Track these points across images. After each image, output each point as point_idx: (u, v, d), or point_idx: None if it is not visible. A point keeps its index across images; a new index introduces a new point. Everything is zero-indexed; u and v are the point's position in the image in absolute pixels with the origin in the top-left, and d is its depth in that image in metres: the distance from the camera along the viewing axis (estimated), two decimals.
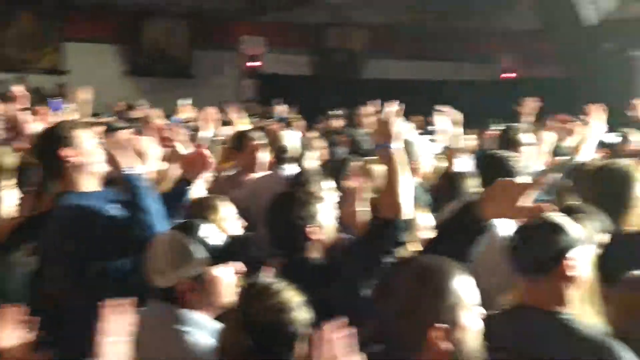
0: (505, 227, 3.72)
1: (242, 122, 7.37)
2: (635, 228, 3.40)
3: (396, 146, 2.85)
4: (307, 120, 9.11)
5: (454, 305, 1.81)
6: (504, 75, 17.10)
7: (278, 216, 2.99)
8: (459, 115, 5.52)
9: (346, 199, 3.56)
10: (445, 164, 5.24)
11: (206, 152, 3.56)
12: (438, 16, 16.44)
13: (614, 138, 6.88)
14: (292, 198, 3.02)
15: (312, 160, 5.51)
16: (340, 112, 9.42)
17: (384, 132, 2.87)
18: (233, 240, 2.63)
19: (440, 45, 16.90)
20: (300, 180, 4.16)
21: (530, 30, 15.04)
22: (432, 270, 1.87)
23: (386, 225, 2.76)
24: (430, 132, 6.60)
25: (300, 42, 16.43)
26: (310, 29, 16.54)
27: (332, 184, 4.20)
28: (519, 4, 14.80)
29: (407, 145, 4.99)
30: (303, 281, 2.21)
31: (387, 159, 2.83)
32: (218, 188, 4.71)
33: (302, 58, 16.56)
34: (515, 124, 5.72)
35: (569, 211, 2.65)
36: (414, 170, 4.84)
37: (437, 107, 5.81)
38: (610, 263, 2.60)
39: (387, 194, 2.81)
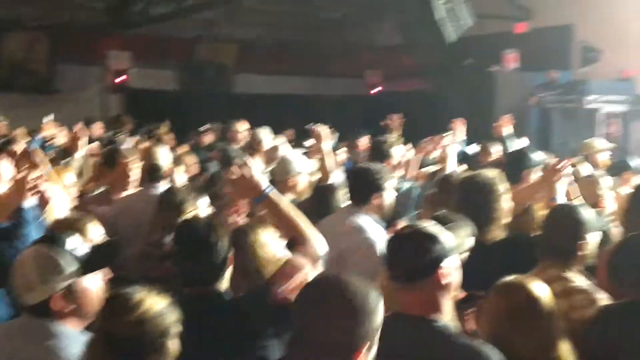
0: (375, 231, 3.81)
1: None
2: (499, 237, 3.56)
3: (269, 190, 2.82)
4: (176, 136, 8.97)
5: None
6: (370, 90, 17.47)
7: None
8: (327, 130, 5.60)
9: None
10: (319, 178, 5.30)
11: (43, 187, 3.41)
12: (307, 32, 16.65)
13: (474, 149, 7.19)
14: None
15: (182, 176, 5.43)
16: (210, 126, 9.34)
17: (249, 187, 2.84)
18: (99, 248, 2.58)
19: (308, 61, 17.11)
20: (174, 200, 4.08)
21: (395, 46, 15.49)
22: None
23: None
24: (304, 147, 6.66)
25: (168, 56, 16.14)
26: (178, 44, 16.31)
27: (205, 200, 4.15)
28: (384, 21, 15.23)
29: (283, 162, 5.02)
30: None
31: (270, 206, 2.82)
32: (85, 206, 4.56)
33: (170, 73, 16.28)
34: (384, 137, 5.86)
35: (439, 221, 2.73)
36: (291, 187, 4.87)
37: (308, 124, 5.86)
38: (473, 271, 2.69)
39: (288, 231, 2.82)
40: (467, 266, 2.94)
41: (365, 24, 16.43)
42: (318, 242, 2.82)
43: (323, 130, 5.32)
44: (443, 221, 2.81)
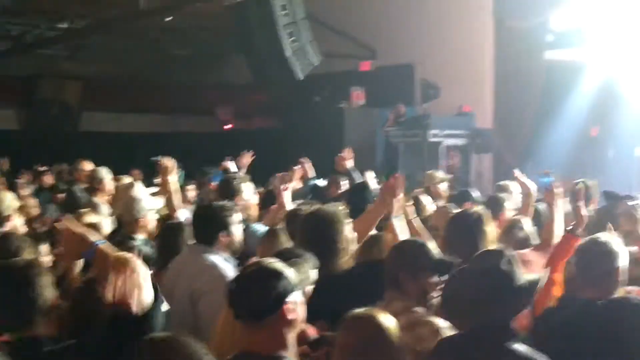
0: None
1: None
2: (344, 268, 3.61)
3: (100, 243, 2.64)
4: (16, 178, 8.52)
5: None
6: (221, 127, 17.42)
7: None
8: (173, 162, 5.46)
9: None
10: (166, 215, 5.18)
11: None
12: (155, 68, 16.40)
13: (322, 182, 7.33)
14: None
15: (19, 220, 5.16)
16: (48, 167, 8.94)
17: (75, 244, 2.66)
18: None
19: (157, 98, 16.84)
20: (9, 247, 3.83)
21: (246, 84, 15.59)
22: None
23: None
24: (154, 186, 6.50)
25: (8, 95, 15.35)
26: (18, 81, 15.56)
27: (45, 247, 3.95)
28: (233, 58, 15.28)
29: (132, 201, 4.87)
30: None
31: (100, 259, 2.63)
32: None
33: (11, 112, 15.49)
34: (234, 174, 5.83)
35: (282, 256, 2.72)
36: (142, 227, 4.73)
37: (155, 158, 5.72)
38: (319, 303, 2.70)
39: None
40: (315, 299, 2.96)
41: (215, 61, 16.42)
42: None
43: (169, 163, 5.21)
44: (287, 256, 2.80)
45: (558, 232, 4.37)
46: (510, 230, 4.88)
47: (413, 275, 3.24)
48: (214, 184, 7.23)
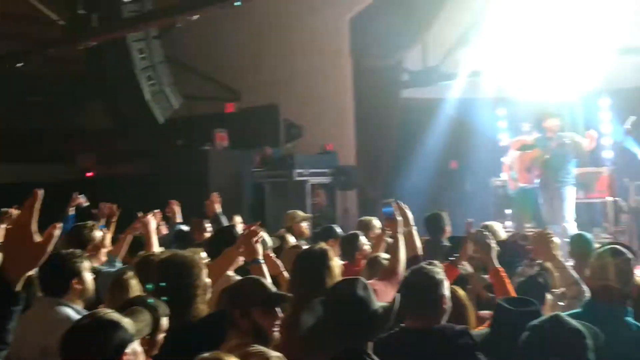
0: None
1: None
2: (204, 313, 3.53)
3: None
4: None
5: None
6: (83, 175, 16.83)
7: None
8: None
9: None
10: None
11: None
12: (11, 116, 15.70)
13: (187, 228, 7.22)
14: None
15: None
16: None
17: None
18: None
19: (14, 146, 16.09)
20: None
21: (106, 130, 15.18)
22: None
23: None
24: None
25: None
26: None
27: None
28: (91, 104, 14.89)
29: None
30: None
31: None
32: None
33: None
34: (90, 223, 5.62)
35: (132, 304, 2.62)
36: None
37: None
38: (172, 352, 2.61)
39: None
40: (168, 347, 2.86)
41: (74, 107, 15.93)
42: None
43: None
44: (135, 304, 2.70)
45: (403, 259, 4.50)
46: (373, 263, 4.97)
47: (245, 312, 3.25)
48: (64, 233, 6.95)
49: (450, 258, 5.00)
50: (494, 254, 4.52)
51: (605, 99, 12.95)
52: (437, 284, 3.44)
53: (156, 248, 5.14)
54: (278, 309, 3.33)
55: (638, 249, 9.32)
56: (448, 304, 3.45)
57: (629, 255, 3.83)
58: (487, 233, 4.80)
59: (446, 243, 6.27)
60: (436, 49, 12.80)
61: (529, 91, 12.84)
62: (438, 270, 3.55)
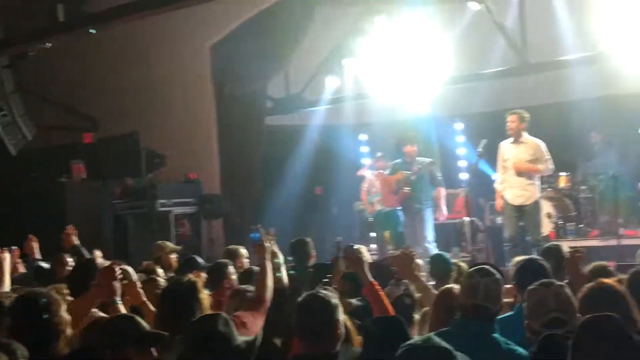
0: None
1: None
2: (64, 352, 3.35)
3: None
4: None
5: None
6: None
7: None
8: None
9: None
10: None
11: None
12: None
13: (47, 264, 6.86)
14: None
15: None
16: None
17: None
18: None
19: None
20: None
21: None
22: None
23: None
24: None
25: None
26: None
27: None
28: None
29: None
30: None
31: None
32: None
33: None
34: None
35: None
36: None
37: None
38: None
39: None
40: None
41: None
42: None
43: None
44: None
45: (270, 286, 4.47)
46: (239, 293, 4.89)
47: (117, 352, 3.11)
48: None
49: (324, 280, 5.00)
50: (366, 268, 4.55)
51: (458, 123, 13.59)
52: (333, 308, 3.42)
53: (7, 287, 4.85)
54: (153, 349, 3.19)
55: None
56: (342, 329, 3.43)
57: (498, 276, 3.97)
58: (358, 247, 4.86)
59: (311, 269, 6.30)
60: (298, 76, 12.97)
61: (388, 116, 13.26)
62: (332, 294, 3.53)
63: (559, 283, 3.54)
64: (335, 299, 3.49)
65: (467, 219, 10.62)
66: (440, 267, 5.93)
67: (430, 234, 10.21)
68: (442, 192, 10.45)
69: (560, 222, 11.12)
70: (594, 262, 5.51)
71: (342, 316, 3.45)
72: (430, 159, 10.55)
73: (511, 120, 9.22)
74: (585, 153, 11.69)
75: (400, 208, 10.52)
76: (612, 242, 9.82)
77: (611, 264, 6.00)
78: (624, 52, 9.15)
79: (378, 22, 11.39)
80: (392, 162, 10.91)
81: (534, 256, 5.20)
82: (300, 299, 3.50)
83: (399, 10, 11.12)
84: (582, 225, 11.10)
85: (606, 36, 9.16)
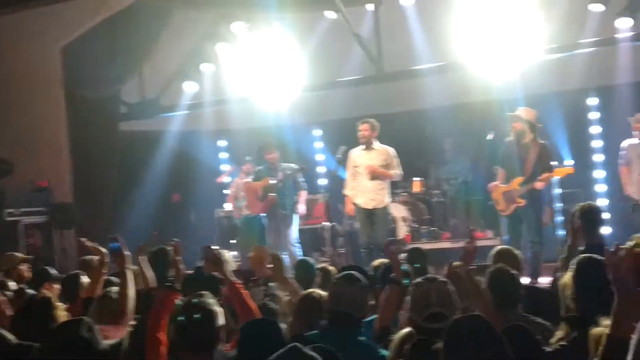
0: None
1: None
2: None
3: None
4: None
5: None
6: None
7: None
8: None
9: None
10: None
11: None
12: None
13: None
14: None
15: None
16: None
17: None
18: None
19: None
20: None
21: None
22: None
23: None
24: None
25: None
26: None
27: None
28: None
29: None
30: None
31: None
32: None
33: None
34: None
35: None
36: None
37: None
38: None
39: None
40: None
41: None
42: None
43: None
44: None
45: (132, 296, 4.34)
46: (100, 303, 4.73)
47: None
48: None
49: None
50: (227, 268, 4.47)
51: (317, 130, 13.79)
52: (214, 315, 3.37)
53: None
54: None
55: None
56: (223, 336, 3.39)
57: (364, 282, 4.04)
58: (217, 247, 4.78)
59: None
60: (155, 80, 12.65)
61: (247, 122, 13.24)
62: (211, 301, 3.45)
63: (442, 279, 3.63)
64: (214, 306, 3.45)
65: (327, 223, 10.78)
66: (304, 272, 5.95)
67: (295, 238, 10.33)
68: (304, 194, 10.54)
69: (415, 225, 11.53)
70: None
71: (222, 321, 3.43)
72: (298, 166, 10.63)
73: (363, 129, 9.54)
74: (438, 159, 12.18)
75: (266, 215, 10.55)
76: (464, 244, 10.24)
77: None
78: (475, 62, 9.62)
79: (236, 28, 11.37)
80: (256, 169, 10.91)
81: (384, 260, 5.33)
82: (177, 306, 3.43)
83: (255, 17, 11.15)
84: (434, 228, 11.55)
85: (457, 46, 9.60)
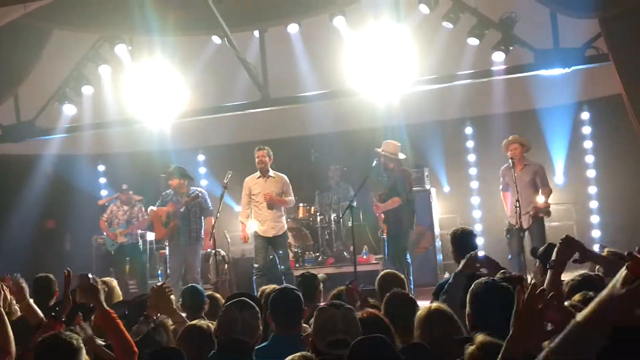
0: None
1: None
2: None
3: None
4: None
5: None
6: None
7: None
8: None
9: None
10: None
11: None
12: None
13: None
14: None
15: None
16: None
17: None
18: None
19: None
20: None
21: None
22: None
23: None
24: None
25: None
26: None
27: None
28: None
29: None
30: None
31: None
32: None
33: None
34: None
35: None
36: None
37: None
38: None
39: None
40: None
41: None
42: None
43: None
44: None
45: (11, 334, 4.11)
46: None
47: None
48: None
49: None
50: (101, 297, 4.30)
51: (201, 155, 13.65)
52: (76, 351, 3.22)
53: None
54: None
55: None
56: None
57: (256, 308, 3.98)
58: (92, 276, 4.61)
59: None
60: (31, 102, 12.11)
61: (127, 146, 12.93)
62: (76, 336, 3.29)
63: (348, 306, 3.62)
64: (78, 341, 3.32)
65: (211, 250, 10.62)
66: (193, 300, 5.82)
67: (199, 265, 10.22)
68: (209, 222, 10.30)
69: (300, 251, 11.58)
70: (335, 288, 5.78)
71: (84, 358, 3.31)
72: (205, 191, 10.45)
73: (261, 155, 9.61)
74: (323, 185, 12.30)
75: (167, 240, 10.37)
76: (348, 268, 10.39)
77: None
78: (358, 90, 9.83)
79: (119, 50, 11.11)
80: (137, 198, 10.70)
81: (289, 285, 5.31)
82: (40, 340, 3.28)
83: (139, 40, 10.94)
84: (319, 254, 11.64)
85: (342, 74, 9.78)
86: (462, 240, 5.90)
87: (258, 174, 9.68)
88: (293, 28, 10.64)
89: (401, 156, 9.62)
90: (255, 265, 9.62)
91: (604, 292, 1.97)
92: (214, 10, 9.61)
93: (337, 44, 9.99)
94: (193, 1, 9.76)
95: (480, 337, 2.76)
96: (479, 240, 11.51)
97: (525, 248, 8.68)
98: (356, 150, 11.63)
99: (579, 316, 2.00)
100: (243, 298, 4.16)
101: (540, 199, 9.35)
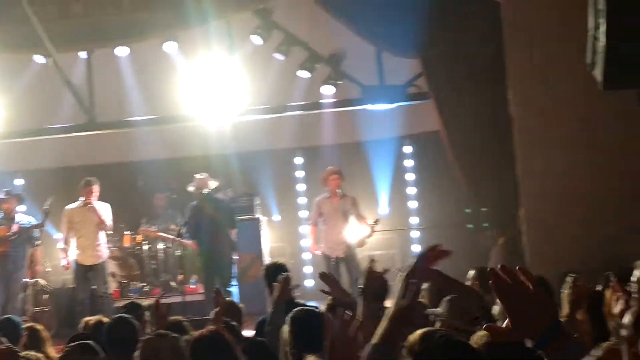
0: None
1: None
2: None
3: None
4: None
5: None
6: None
7: None
8: None
9: None
10: None
11: None
12: None
13: None
14: None
15: None
16: None
17: None
18: None
19: None
20: None
21: None
22: None
23: None
24: None
25: None
26: None
27: None
28: None
29: None
30: None
31: None
32: None
33: None
34: None
35: None
36: None
37: None
38: None
39: None
40: None
41: None
42: None
43: None
44: None
45: None
46: None
47: None
48: None
49: None
50: None
51: (19, 179, 12.86)
52: None
53: None
54: None
55: (57, 327, 9.49)
56: None
57: (100, 352, 3.83)
58: None
59: None
60: None
61: None
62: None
63: (174, 335, 3.53)
64: None
65: (29, 280, 10.09)
66: (8, 333, 5.42)
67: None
68: (37, 253, 9.92)
69: (125, 281, 11.18)
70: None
71: None
72: (37, 221, 9.94)
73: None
74: (150, 213, 11.95)
75: None
76: (177, 298, 10.15)
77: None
78: (191, 117, 9.75)
79: None
80: None
81: (124, 315, 5.11)
82: None
83: None
84: (145, 284, 11.29)
85: (172, 100, 9.67)
86: (275, 274, 5.87)
87: (80, 202, 9.40)
88: (122, 51, 10.36)
89: (212, 184, 9.65)
90: (80, 297, 9.45)
91: (391, 309, 2.06)
92: (39, 29, 9.18)
93: (169, 70, 9.87)
94: (16, 18, 9.27)
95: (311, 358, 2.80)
96: (308, 269, 11.69)
97: (342, 276, 8.91)
98: (186, 177, 11.44)
99: (374, 338, 2.07)
100: (88, 342, 3.97)
101: (365, 229, 9.65)
